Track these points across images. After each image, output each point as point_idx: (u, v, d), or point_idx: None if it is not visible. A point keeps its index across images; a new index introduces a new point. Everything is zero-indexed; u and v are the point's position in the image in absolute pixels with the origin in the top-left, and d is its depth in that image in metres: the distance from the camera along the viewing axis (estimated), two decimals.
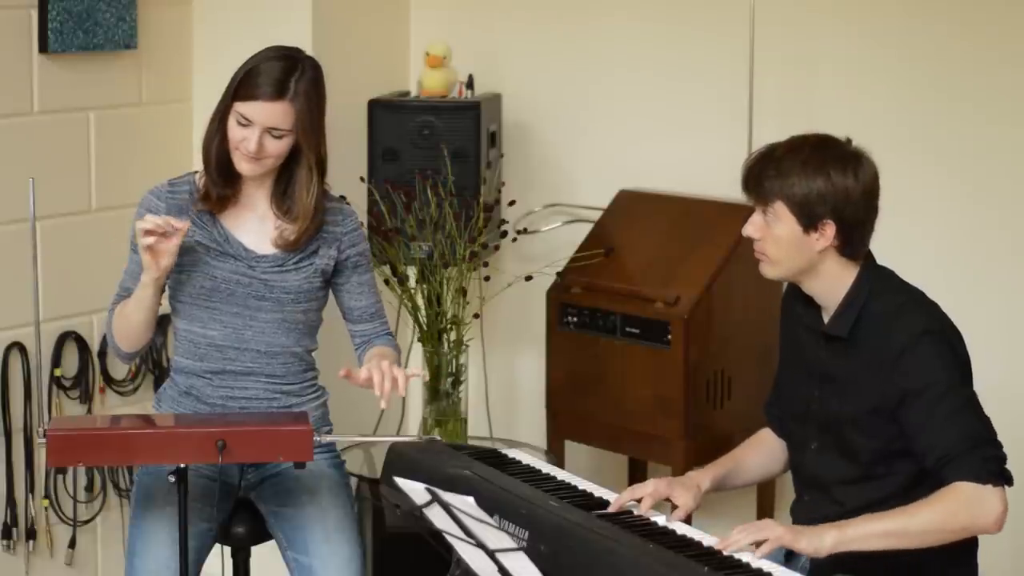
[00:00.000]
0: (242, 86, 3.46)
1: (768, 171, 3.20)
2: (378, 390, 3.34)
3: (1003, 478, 3.08)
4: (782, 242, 3.20)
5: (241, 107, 3.46)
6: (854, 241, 3.21)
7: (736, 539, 3.03)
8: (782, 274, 3.26)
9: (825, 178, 3.16)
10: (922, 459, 3.12)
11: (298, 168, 3.54)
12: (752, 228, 3.24)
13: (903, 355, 3.11)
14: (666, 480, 3.35)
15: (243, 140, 3.46)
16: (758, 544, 3.03)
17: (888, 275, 3.27)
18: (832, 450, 3.25)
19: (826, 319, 3.26)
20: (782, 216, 3.19)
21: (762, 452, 3.48)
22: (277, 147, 3.48)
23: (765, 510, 4.38)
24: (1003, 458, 3.10)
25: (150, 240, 3.37)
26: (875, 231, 3.28)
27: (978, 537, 3.26)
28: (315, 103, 3.50)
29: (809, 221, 3.17)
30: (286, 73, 3.46)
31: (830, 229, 3.17)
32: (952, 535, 3.08)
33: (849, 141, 3.24)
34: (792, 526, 3.14)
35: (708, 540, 3.06)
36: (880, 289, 3.22)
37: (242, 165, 3.50)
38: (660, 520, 3.19)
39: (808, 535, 3.06)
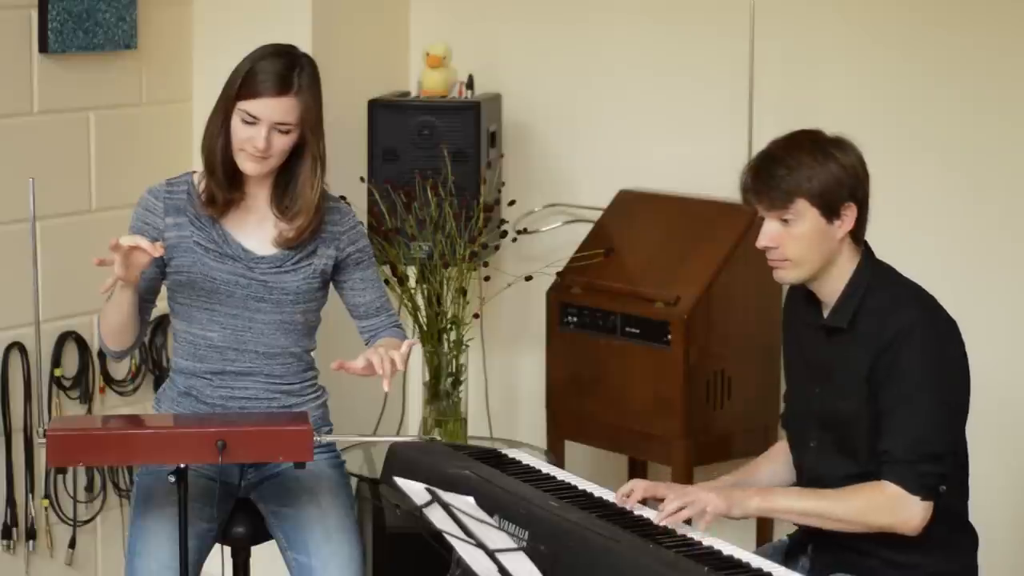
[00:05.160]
0: (245, 86, 3.46)
1: (778, 171, 3.17)
2: (379, 369, 3.34)
3: (934, 493, 3.11)
4: (805, 240, 3.17)
5: (246, 105, 3.46)
6: (864, 220, 3.22)
7: (670, 510, 3.10)
8: (804, 274, 3.22)
9: (835, 162, 3.16)
10: (875, 439, 3.14)
11: (301, 164, 3.54)
12: (768, 238, 3.20)
13: (892, 344, 3.12)
14: (668, 484, 3.35)
15: (249, 139, 3.47)
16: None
17: (887, 269, 3.27)
18: (831, 448, 3.25)
19: (826, 314, 3.26)
20: (804, 213, 3.16)
21: (776, 463, 3.47)
22: (283, 143, 3.49)
23: None
24: (941, 475, 3.12)
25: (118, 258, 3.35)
26: (875, 229, 3.29)
27: (978, 537, 3.27)
28: (317, 96, 3.53)
29: (832, 210, 3.16)
30: (288, 68, 3.48)
31: (851, 211, 3.17)
32: (869, 529, 3.13)
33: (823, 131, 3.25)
34: (722, 490, 3.18)
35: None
36: (879, 282, 3.22)
37: (247, 165, 3.50)
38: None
39: (737, 502, 3.14)
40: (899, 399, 3.11)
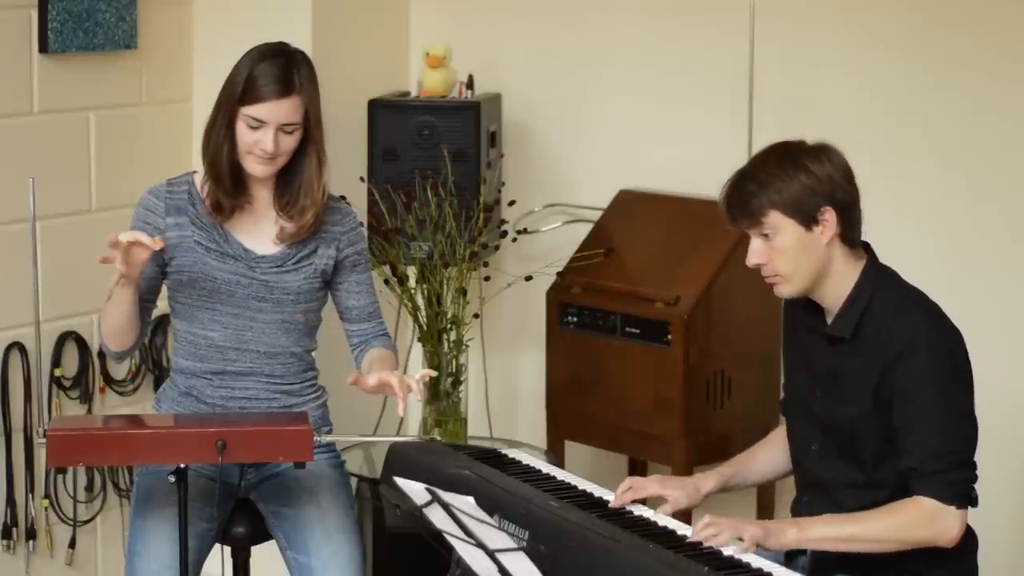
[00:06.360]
0: (247, 91, 3.46)
1: (748, 188, 3.17)
2: (400, 392, 3.31)
3: (968, 500, 3.10)
4: (790, 252, 3.17)
5: (252, 111, 3.46)
6: (852, 223, 3.20)
7: (708, 534, 3.06)
8: (800, 287, 3.21)
9: (805, 171, 3.16)
10: (898, 458, 3.13)
11: (305, 161, 3.55)
12: (755, 256, 3.21)
13: (901, 356, 3.11)
14: (661, 478, 3.36)
15: (257, 142, 3.47)
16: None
17: (891, 275, 3.26)
18: (833, 453, 3.24)
19: (829, 321, 3.26)
20: (781, 225, 3.17)
21: (774, 449, 3.48)
22: (289, 143, 3.50)
23: (765, 508, 4.38)
24: (972, 479, 3.11)
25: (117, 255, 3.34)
26: (875, 229, 3.29)
27: (977, 537, 3.26)
28: (317, 92, 3.54)
29: (808, 217, 3.16)
30: (287, 69, 3.49)
31: (831, 215, 3.16)
32: (908, 546, 3.11)
33: (804, 141, 3.25)
34: (761, 523, 3.16)
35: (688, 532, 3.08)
36: (883, 289, 3.21)
37: (256, 168, 3.51)
38: (660, 520, 3.19)
39: (774, 534, 3.11)
40: (916, 412, 3.09)
